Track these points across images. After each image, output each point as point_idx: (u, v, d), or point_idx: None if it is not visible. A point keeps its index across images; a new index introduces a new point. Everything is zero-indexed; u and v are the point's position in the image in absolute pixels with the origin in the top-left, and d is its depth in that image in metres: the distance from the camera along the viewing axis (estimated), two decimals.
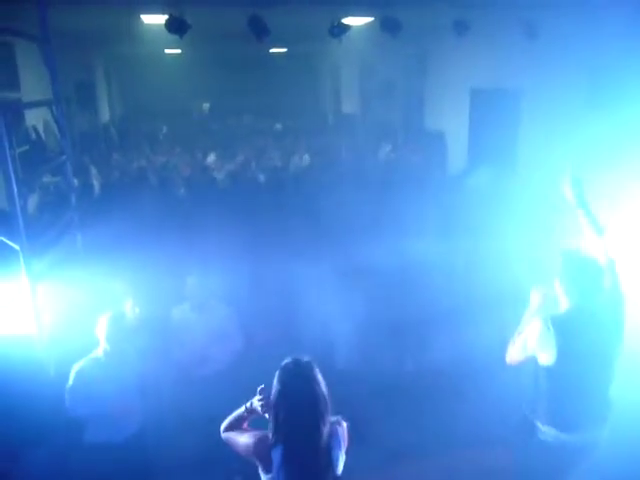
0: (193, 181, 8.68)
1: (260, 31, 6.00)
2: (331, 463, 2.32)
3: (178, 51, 14.86)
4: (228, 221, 6.08)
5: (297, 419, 2.25)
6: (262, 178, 8.89)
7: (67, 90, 9.63)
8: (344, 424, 2.44)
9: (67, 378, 3.45)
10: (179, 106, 18.39)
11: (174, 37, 5.87)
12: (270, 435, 2.30)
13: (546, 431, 2.97)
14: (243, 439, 2.41)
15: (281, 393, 2.27)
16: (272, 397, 2.29)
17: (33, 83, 8.53)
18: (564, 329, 2.82)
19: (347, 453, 2.42)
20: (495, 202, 6.10)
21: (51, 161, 5.31)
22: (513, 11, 6.71)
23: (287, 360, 2.35)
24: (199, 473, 3.84)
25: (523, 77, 7.78)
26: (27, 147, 7.39)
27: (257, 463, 2.36)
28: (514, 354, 3.06)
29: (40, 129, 8.85)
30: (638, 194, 4.50)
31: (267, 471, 2.31)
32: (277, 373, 2.32)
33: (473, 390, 4.28)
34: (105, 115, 15.94)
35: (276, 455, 2.26)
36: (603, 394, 2.94)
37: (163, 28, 5.86)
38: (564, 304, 2.94)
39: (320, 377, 2.31)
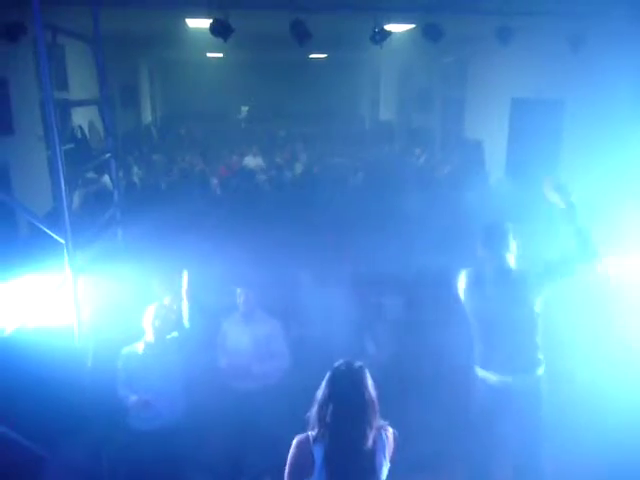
0: (230, 183, 8.81)
1: (302, 36, 6.06)
2: (374, 468, 2.32)
3: (220, 55, 15.12)
4: (266, 225, 6.14)
5: (344, 422, 2.26)
6: (298, 182, 8.96)
7: (112, 91, 9.89)
8: (391, 430, 2.43)
9: (104, 369, 3.56)
10: (219, 109, 18.69)
11: (217, 41, 5.98)
12: (311, 434, 2.32)
13: (483, 374, 3.36)
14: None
15: (330, 394, 2.28)
16: (320, 397, 2.31)
17: (80, 83, 8.82)
18: (483, 281, 3.29)
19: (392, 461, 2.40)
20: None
21: (95, 159, 5.46)
22: (557, 20, 6.61)
23: (339, 362, 2.36)
24: (230, 471, 3.89)
25: (566, 87, 7.64)
26: (72, 145, 7.66)
27: (300, 469, 2.33)
28: None
29: (85, 128, 9.14)
30: None
31: (309, 473, 2.30)
32: (328, 374, 2.34)
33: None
34: (147, 116, 16.31)
35: (318, 453, 2.28)
36: (529, 341, 3.29)
37: (206, 32, 5.98)
38: (486, 261, 3.37)
39: (370, 383, 2.33)
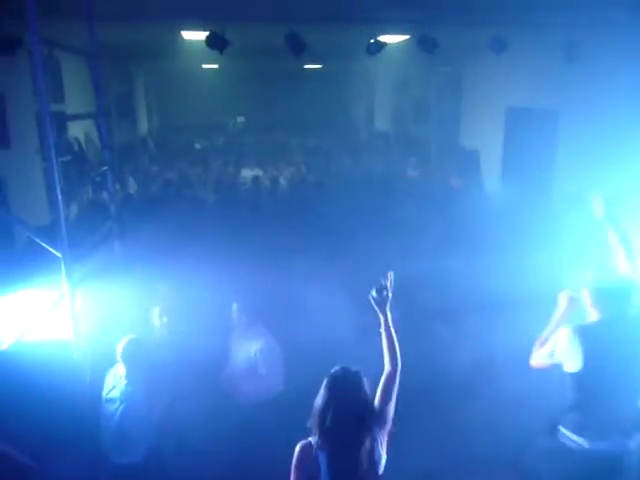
0: (224, 194, 8.80)
1: (297, 47, 6.08)
2: (374, 462, 2.37)
3: (216, 66, 15.16)
4: (262, 237, 6.11)
5: (344, 426, 2.31)
6: (295, 193, 8.95)
7: (108, 103, 9.90)
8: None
9: (103, 384, 3.53)
10: (215, 120, 18.70)
11: (213, 52, 6.02)
12: (313, 440, 2.36)
13: (570, 437, 2.99)
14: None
15: (329, 400, 2.32)
16: (320, 403, 2.35)
17: (76, 96, 8.82)
18: (591, 339, 2.89)
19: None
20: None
21: (92, 172, 5.45)
22: (551, 30, 6.66)
23: (336, 368, 2.40)
24: None
25: (561, 97, 7.66)
26: (69, 158, 7.66)
27: (306, 475, 2.35)
28: (540, 359, 3.11)
29: (82, 141, 9.14)
30: None
31: (315, 478, 2.34)
32: (325, 381, 2.38)
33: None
34: (143, 128, 16.31)
35: (322, 458, 2.32)
36: (631, 405, 2.93)
37: (202, 43, 6.02)
38: (593, 315, 3.01)
39: (367, 387, 2.38)
